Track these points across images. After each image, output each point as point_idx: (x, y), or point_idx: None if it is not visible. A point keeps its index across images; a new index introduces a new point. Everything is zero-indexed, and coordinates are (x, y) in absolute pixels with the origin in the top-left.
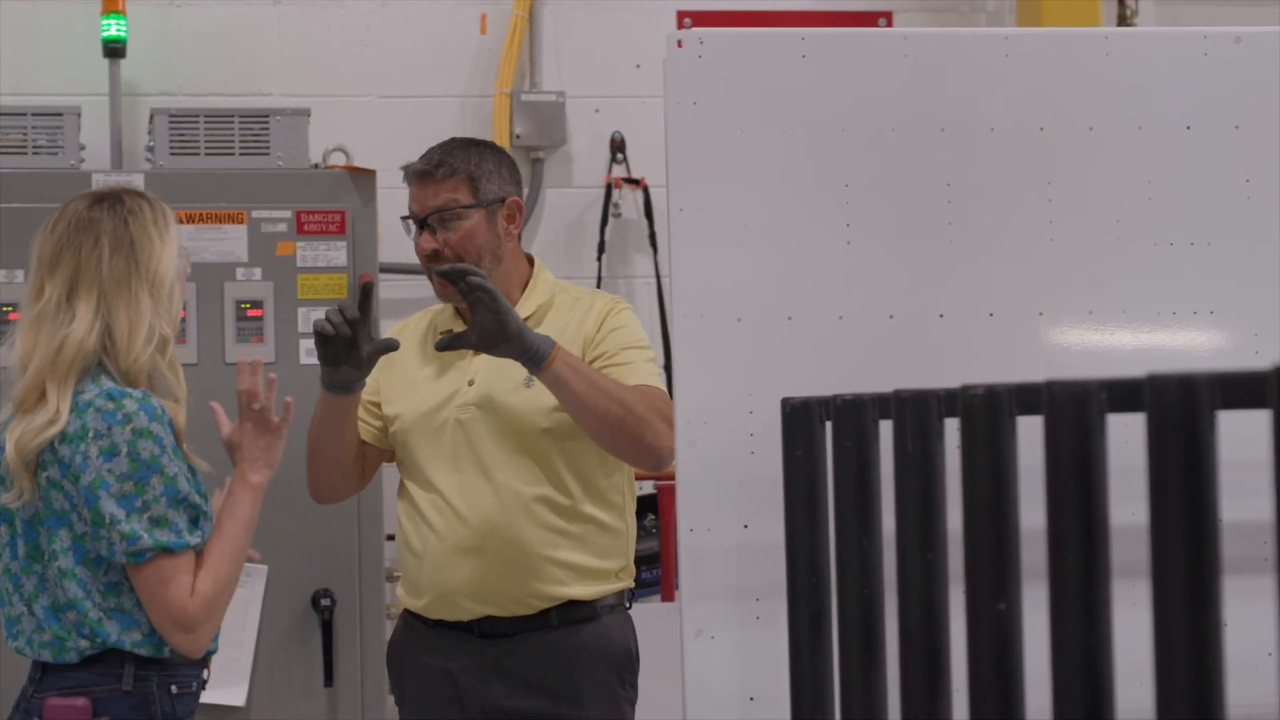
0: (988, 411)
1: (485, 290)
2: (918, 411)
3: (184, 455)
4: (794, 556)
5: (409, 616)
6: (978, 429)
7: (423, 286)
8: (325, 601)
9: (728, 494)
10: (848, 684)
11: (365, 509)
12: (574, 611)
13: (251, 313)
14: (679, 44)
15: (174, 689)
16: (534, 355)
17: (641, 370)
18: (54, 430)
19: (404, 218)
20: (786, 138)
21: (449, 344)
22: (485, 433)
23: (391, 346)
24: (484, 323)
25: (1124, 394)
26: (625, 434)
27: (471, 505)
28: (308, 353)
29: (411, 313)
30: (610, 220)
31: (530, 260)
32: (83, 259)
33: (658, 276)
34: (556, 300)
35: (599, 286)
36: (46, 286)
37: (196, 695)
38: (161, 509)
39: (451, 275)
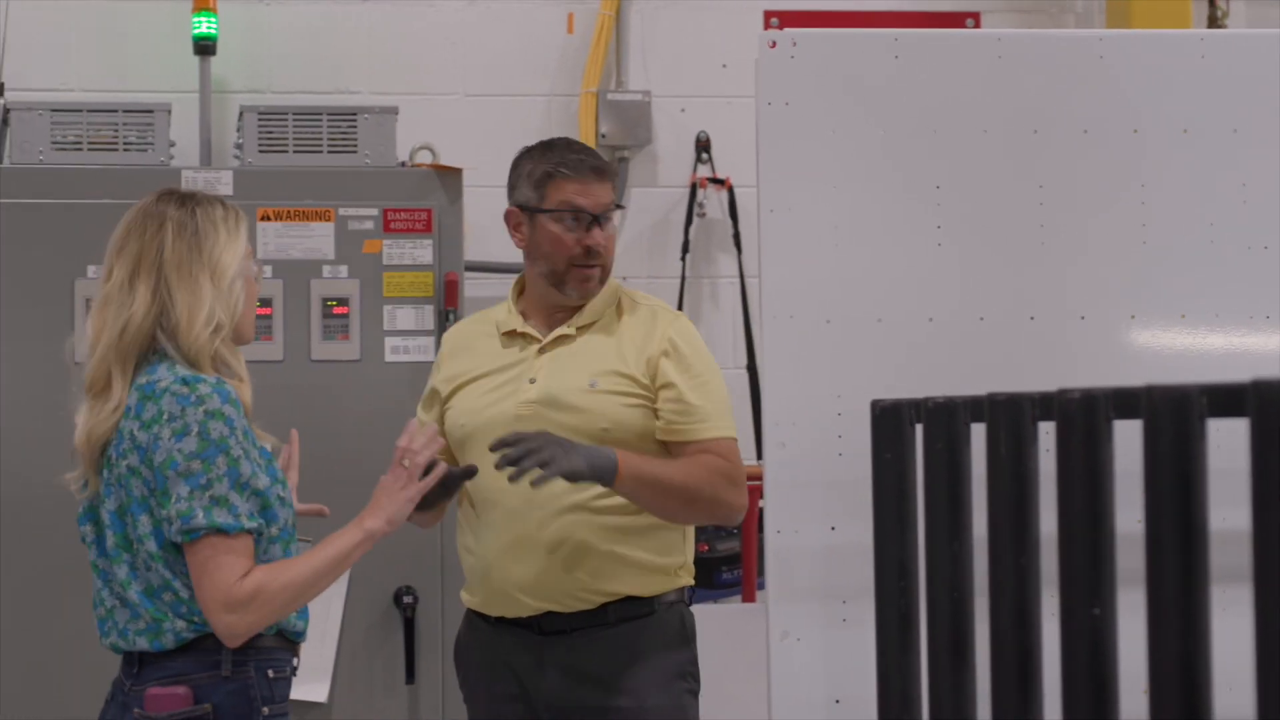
0: (1085, 415)
1: (546, 462)
2: (1011, 415)
3: (254, 435)
4: (883, 558)
5: (471, 615)
6: (1074, 433)
7: (506, 285)
8: (408, 599)
9: (815, 495)
10: (936, 687)
11: (449, 508)
12: (633, 608)
13: (338, 310)
14: (772, 44)
15: (270, 673)
16: (599, 479)
17: (716, 420)
18: (116, 417)
19: (566, 210)
20: (878, 138)
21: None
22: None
23: (470, 474)
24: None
25: (1225, 399)
26: (695, 517)
27: (530, 503)
28: (392, 350)
29: None
30: (694, 220)
31: None
32: (146, 242)
33: (741, 277)
34: (621, 303)
35: (683, 286)
36: (115, 270)
37: (289, 680)
38: (223, 489)
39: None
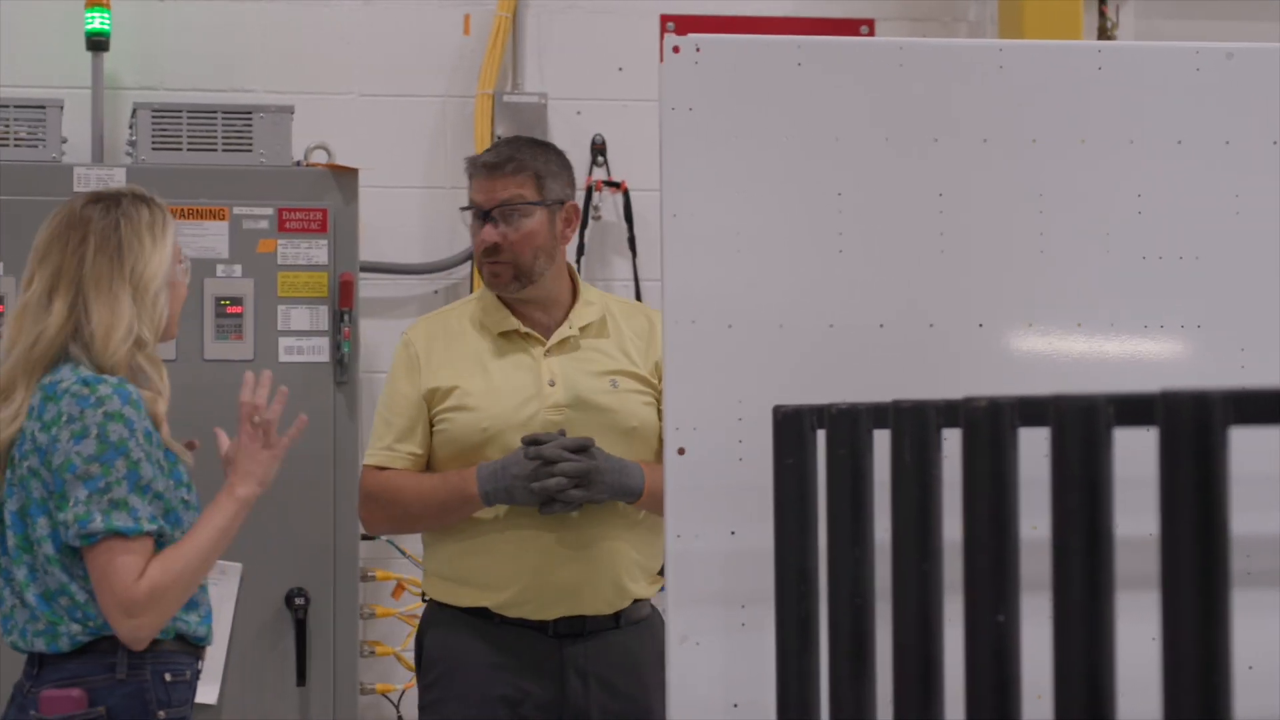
0: (991, 423)
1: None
2: (916, 422)
3: (163, 442)
4: (783, 563)
5: (462, 613)
6: (979, 441)
7: (401, 286)
8: (299, 600)
9: (716, 500)
10: (836, 693)
11: (341, 507)
12: (635, 610)
13: (231, 309)
14: (675, 50)
15: (168, 676)
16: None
17: None
18: (16, 425)
19: (464, 208)
20: (780, 146)
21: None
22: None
23: (587, 445)
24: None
25: (1133, 408)
26: None
27: (559, 519)
28: (286, 350)
29: (391, 313)
30: (590, 223)
31: (570, 266)
32: (67, 255)
33: (636, 280)
34: (612, 306)
35: None
36: (36, 279)
37: (192, 684)
38: (122, 492)
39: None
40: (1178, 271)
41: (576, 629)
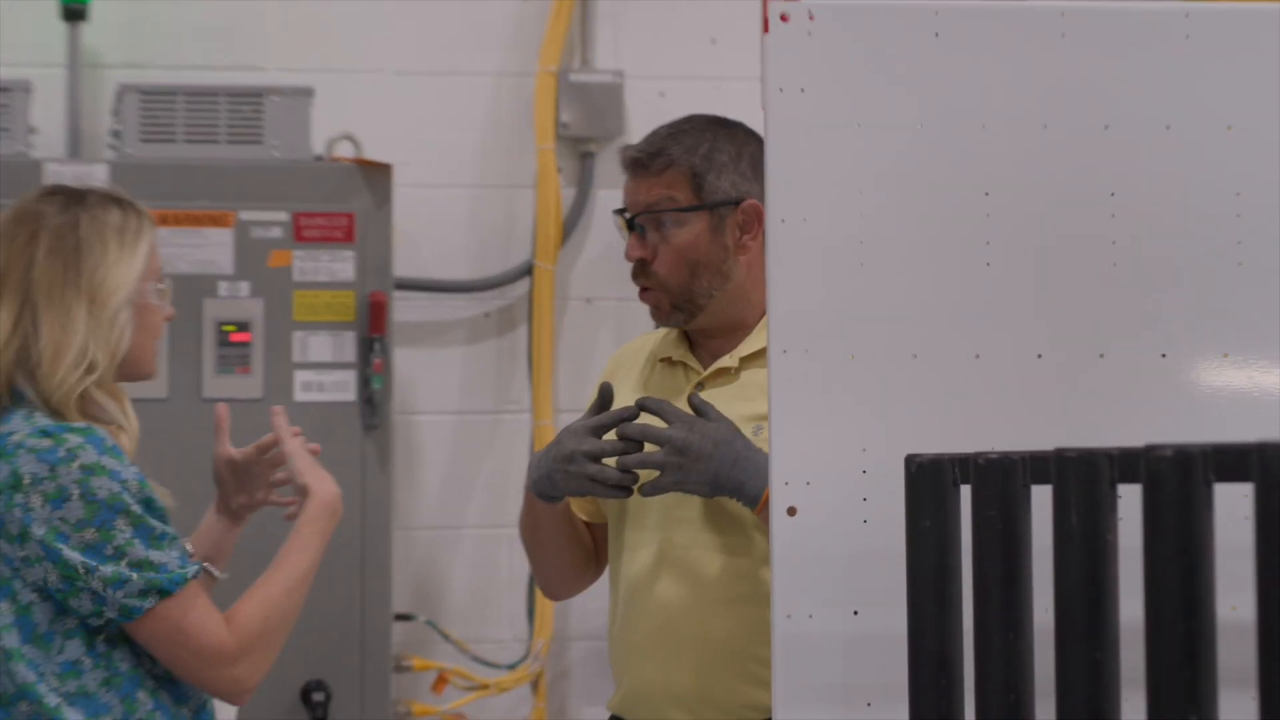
0: (1179, 477)
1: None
2: (1086, 475)
3: (148, 484)
4: (919, 652)
5: None
6: (1165, 499)
7: (445, 307)
8: (318, 696)
9: (834, 572)
10: None
11: (369, 582)
12: None
13: (236, 337)
14: (783, 18)
15: None
16: (744, 497)
17: None
18: None
19: (616, 211)
20: (913, 135)
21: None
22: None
23: (631, 416)
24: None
25: None
26: None
27: (665, 583)
28: (304, 387)
29: (433, 340)
30: None
31: None
32: (13, 254)
33: None
34: None
35: None
36: None
37: None
38: (140, 552)
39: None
40: None
41: None
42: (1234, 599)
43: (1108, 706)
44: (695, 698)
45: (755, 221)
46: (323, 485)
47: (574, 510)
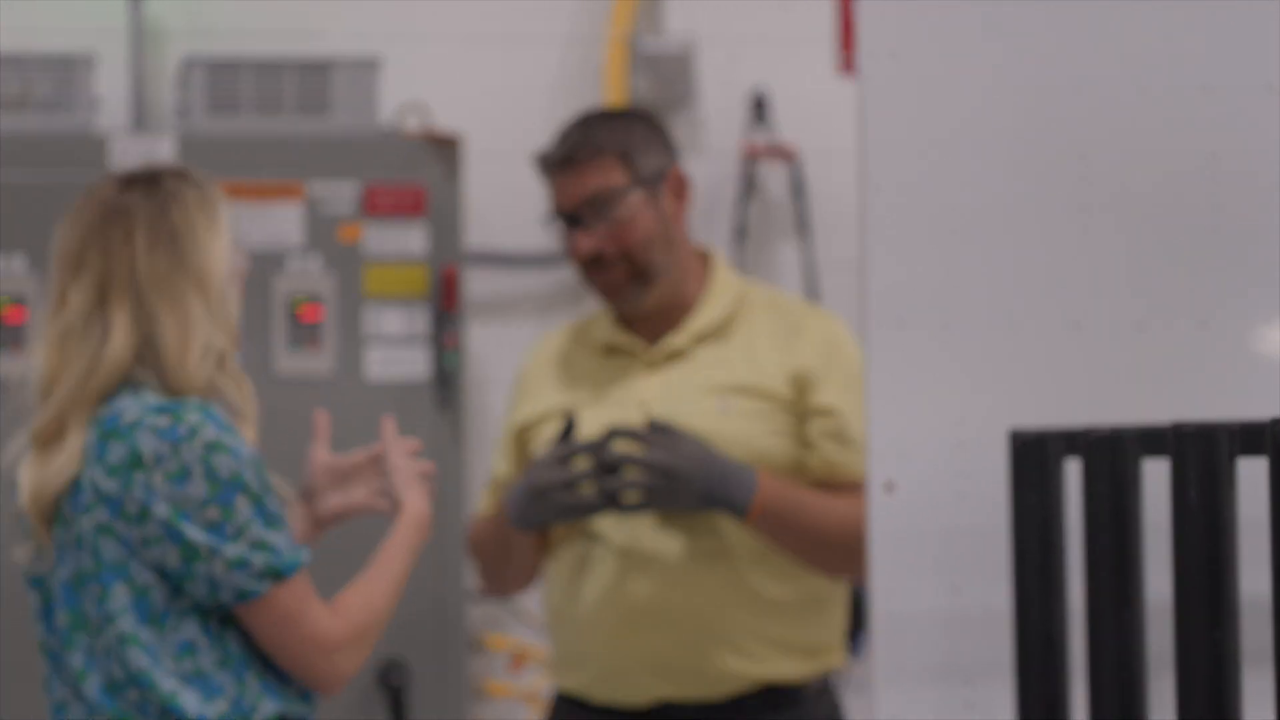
0: None
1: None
2: (1204, 449)
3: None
4: (1023, 629)
5: (564, 702)
6: None
7: (518, 281)
8: (396, 676)
9: (933, 549)
10: None
11: (446, 561)
12: (773, 697)
13: (307, 313)
14: None
15: None
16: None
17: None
18: (69, 474)
19: (552, 215)
20: (1012, 97)
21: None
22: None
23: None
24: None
25: None
26: (844, 572)
27: (648, 558)
28: (376, 364)
29: (507, 315)
30: (747, 200)
31: (702, 252)
32: (113, 254)
33: (807, 270)
34: (750, 301)
35: None
36: (71, 293)
37: None
38: (259, 532)
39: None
40: None
41: (684, 717)
42: None
43: (1228, 685)
44: (680, 668)
45: (683, 187)
46: (416, 502)
47: None
